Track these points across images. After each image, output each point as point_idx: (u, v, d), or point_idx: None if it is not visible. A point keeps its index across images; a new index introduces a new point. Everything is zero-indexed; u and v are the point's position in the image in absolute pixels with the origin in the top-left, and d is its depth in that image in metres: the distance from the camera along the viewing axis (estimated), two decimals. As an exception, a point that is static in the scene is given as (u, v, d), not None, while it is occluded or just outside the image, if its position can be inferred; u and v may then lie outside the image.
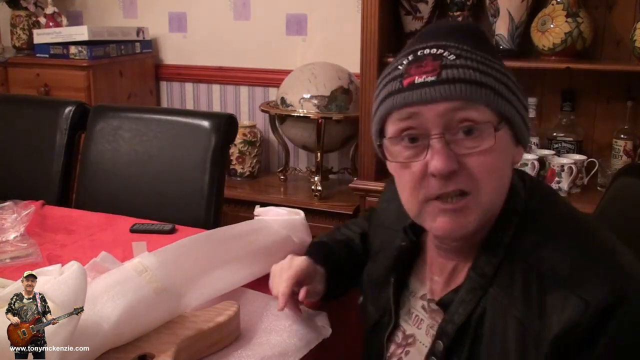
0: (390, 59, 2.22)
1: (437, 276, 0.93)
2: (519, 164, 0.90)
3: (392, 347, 0.98)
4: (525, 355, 0.78)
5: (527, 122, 0.87)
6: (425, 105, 0.80)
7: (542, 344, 0.75)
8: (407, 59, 0.84)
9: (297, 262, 1.08)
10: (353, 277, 1.15)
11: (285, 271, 1.07)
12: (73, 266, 0.94)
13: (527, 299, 0.78)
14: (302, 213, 1.42)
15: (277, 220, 1.36)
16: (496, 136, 0.81)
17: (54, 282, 0.91)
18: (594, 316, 0.73)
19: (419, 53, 0.83)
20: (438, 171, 0.80)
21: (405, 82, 0.81)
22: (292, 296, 1.05)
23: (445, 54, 0.81)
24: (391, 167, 0.89)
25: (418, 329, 0.95)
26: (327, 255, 1.14)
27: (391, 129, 0.85)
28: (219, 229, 1.29)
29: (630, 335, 0.73)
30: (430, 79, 0.80)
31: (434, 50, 0.82)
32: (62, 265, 0.96)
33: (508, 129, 0.84)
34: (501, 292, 0.81)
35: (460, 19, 2.27)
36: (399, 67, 0.84)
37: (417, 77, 0.81)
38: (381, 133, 0.88)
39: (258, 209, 1.42)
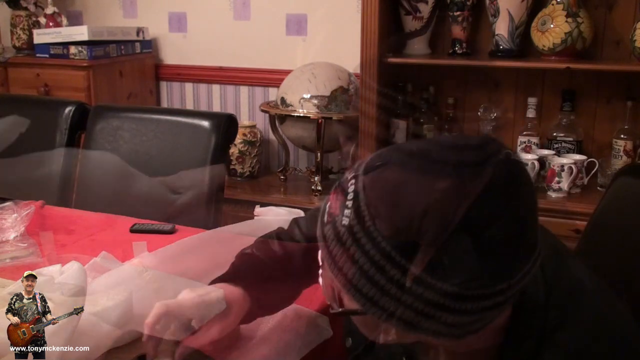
0: (391, 59, 2.22)
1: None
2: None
3: None
4: None
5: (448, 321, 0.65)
6: None
7: None
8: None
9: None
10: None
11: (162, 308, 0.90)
12: (73, 266, 0.94)
13: None
14: (302, 213, 1.42)
15: (277, 220, 1.35)
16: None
17: (54, 282, 0.91)
18: None
19: (342, 181, 0.68)
20: None
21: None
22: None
23: (347, 208, 0.65)
24: None
25: None
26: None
27: None
28: (219, 229, 1.29)
29: None
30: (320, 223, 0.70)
31: (351, 188, 0.66)
32: (62, 265, 0.96)
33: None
34: None
35: (460, 18, 2.27)
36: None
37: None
38: None
39: (258, 209, 1.42)
